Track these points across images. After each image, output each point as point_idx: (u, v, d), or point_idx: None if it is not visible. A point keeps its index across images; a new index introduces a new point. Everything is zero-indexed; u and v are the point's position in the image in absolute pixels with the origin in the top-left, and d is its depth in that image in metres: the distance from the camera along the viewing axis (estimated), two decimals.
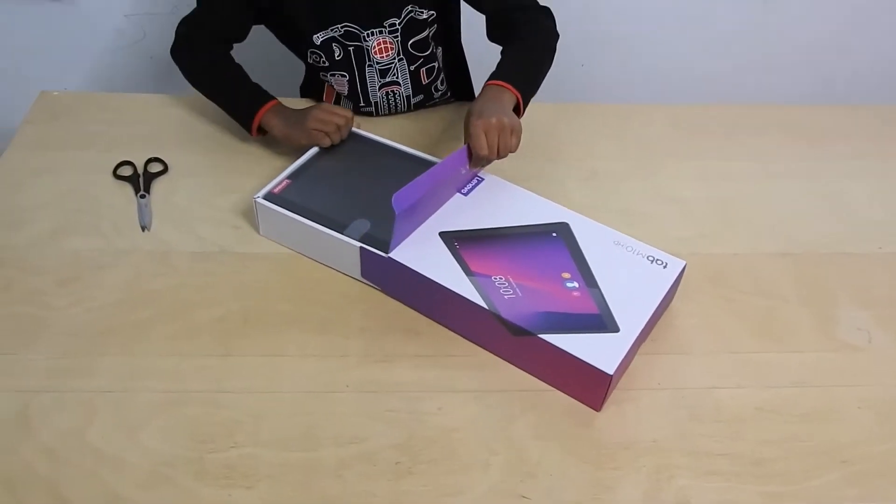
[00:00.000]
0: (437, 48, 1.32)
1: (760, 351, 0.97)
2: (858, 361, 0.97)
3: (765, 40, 1.90)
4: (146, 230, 1.09)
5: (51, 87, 1.35)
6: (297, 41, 1.29)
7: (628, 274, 0.97)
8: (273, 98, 1.20)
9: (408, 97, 1.32)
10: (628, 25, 1.85)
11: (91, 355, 0.92)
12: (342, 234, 1.00)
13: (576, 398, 0.90)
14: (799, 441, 0.87)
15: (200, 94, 1.25)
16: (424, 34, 1.26)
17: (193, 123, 1.30)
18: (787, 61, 1.94)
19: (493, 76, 1.14)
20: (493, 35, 1.25)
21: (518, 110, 1.12)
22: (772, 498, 0.81)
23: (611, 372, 0.84)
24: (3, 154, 1.21)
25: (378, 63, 1.26)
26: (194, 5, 1.23)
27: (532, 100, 1.17)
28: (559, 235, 1.02)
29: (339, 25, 1.22)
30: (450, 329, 0.97)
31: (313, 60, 1.28)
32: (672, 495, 0.81)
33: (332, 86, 1.31)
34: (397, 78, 1.29)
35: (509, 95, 1.11)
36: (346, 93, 1.30)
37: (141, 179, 1.17)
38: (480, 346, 0.96)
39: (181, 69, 1.24)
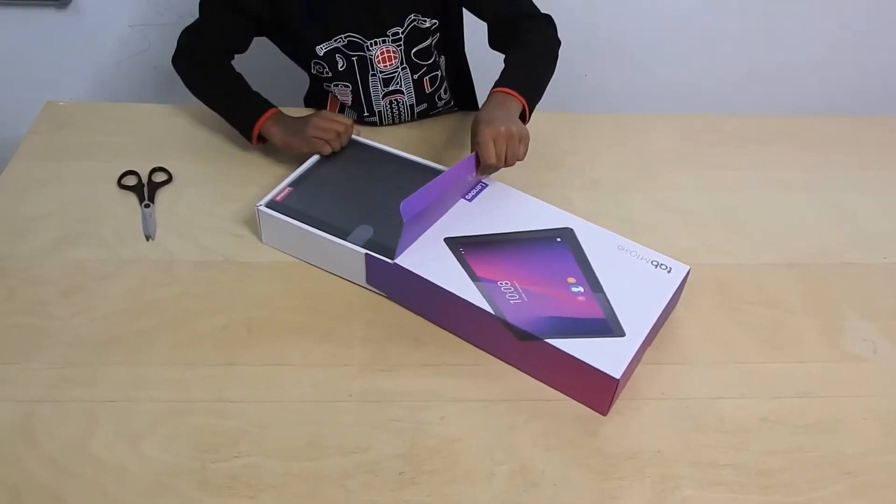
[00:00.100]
0: (439, 57, 1.32)
1: (765, 361, 0.97)
2: (864, 372, 0.96)
3: (770, 51, 1.90)
4: (150, 240, 1.09)
5: (56, 97, 1.36)
6: (300, 52, 1.29)
7: (633, 278, 0.97)
8: (273, 106, 1.20)
9: (411, 106, 1.32)
10: (632, 36, 1.85)
11: (94, 365, 0.92)
12: (345, 240, 1.01)
13: (582, 403, 0.90)
14: (804, 452, 0.86)
15: (204, 104, 1.25)
16: (427, 43, 1.27)
17: (198, 133, 1.30)
18: (791, 72, 1.94)
19: (498, 83, 1.14)
20: (494, 43, 1.26)
21: (524, 117, 1.13)
22: None
23: (617, 376, 0.84)
24: (7, 164, 1.21)
25: (381, 72, 1.26)
26: (197, 16, 1.24)
27: (535, 109, 1.17)
28: (564, 241, 1.02)
29: (342, 36, 1.22)
30: (455, 335, 0.97)
31: (317, 71, 1.29)
32: None
33: (336, 96, 1.32)
34: (400, 87, 1.29)
35: (516, 103, 1.11)
36: (350, 103, 1.31)
37: (145, 189, 1.17)
38: (486, 352, 0.96)
39: (182, 78, 1.25)
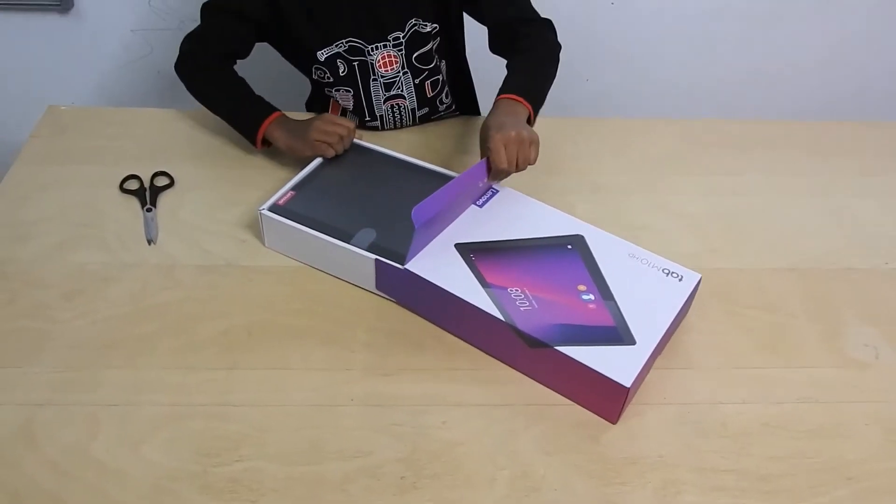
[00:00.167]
0: (441, 61, 1.32)
1: (767, 366, 0.97)
2: (866, 378, 0.96)
3: (772, 56, 1.90)
4: (152, 244, 1.10)
5: (58, 102, 1.36)
6: (301, 58, 1.30)
7: (644, 286, 0.97)
8: (276, 110, 1.21)
9: (413, 110, 1.32)
10: (634, 41, 1.85)
11: (95, 369, 0.92)
12: (349, 243, 1.01)
13: (592, 411, 0.90)
14: (805, 457, 0.86)
15: (207, 110, 1.25)
16: (428, 47, 1.27)
17: (200, 137, 1.30)
18: (793, 77, 1.95)
19: (504, 90, 1.14)
20: (495, 47, 1.26)
21: (529, 122, 1.13)
22: None
23: (628, 384, 0.84)
24: (10, 168, 1.21)
25: (383, 77, 1.27)
26: (199, 21, 1.24)
27: (540, 114, 1.17)
28: (574, 248, 1.02)
29: (343, 41, 1.23)
30: (465, 340, 0.97)
31: (318, 76, 1.29)
32: None
33: (338, 101, 1.32)
34: (402, 91, 1.29)
35: (522, 108, 1.12)
36: (352, 107, 1.31)
37: (147, 193, 1.17)
38: (496, 358, 0.96)
39: (186, 84, 1.25)
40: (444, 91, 1.36)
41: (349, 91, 1.28)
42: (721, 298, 1.05)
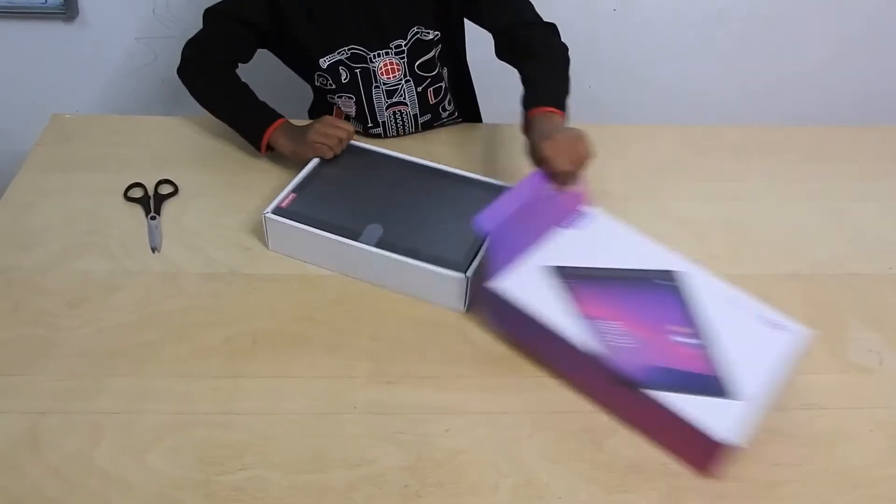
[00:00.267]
0: (443, 68, 1.33)
1: None
2: (870, 383, 0.96)
3: (773, 61, 1.90)
4: (156, 251, 1.10)
5: (62, 110, 1.37)
6: (303, 65, 1.30)
7: (745, 335, 0.90)
8: (279, 117, 1.22)
9: (415, 116, 1.33)
10: (636, 47, 1.85)
11: (99, 376, 0.92)
12: (357, 241, 1.02)
13: (684, 461, 0.85)
14: (810, 464, 0.86)
15: (211, 116, 1.26)
16: (431, 55, 1.27)
17: (204, 145, 1.31)
18: (794, 82, 1.95)
19: (532, 103, 1.12)
20: (502, 53, 1.25)
21: None
22: None
23: (736, 442, 0.80)
24: (15, 176, 1.22)
25: (385, 84, 1.27)
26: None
27: None
28: (671, 284, 0.96)
29: (345, 48, 1.23)
30: (547, 366, 0.94)
31: (320, 83, 1.29)
32: None
33: (340, 108, 1.32)
34: (404, 98, 1.30)
35: (558, 117, 1.11)
36: (354, 114, 1.31)
37: (151, 201, 1.18)
38: (583, 393, 0.92)
39: (189, 89, 1.26)
40: (447, 98, 1.36)
41: (351, 97, 1.28)
42: None
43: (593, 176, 1.27)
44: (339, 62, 1.24)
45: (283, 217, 1.06)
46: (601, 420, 0.90)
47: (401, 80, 1.27)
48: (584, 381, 0.92)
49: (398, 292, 1.04)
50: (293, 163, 1.21)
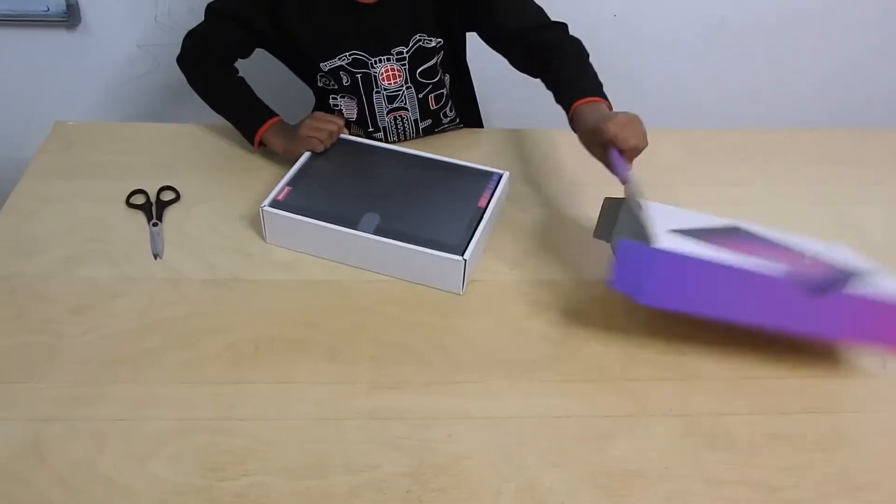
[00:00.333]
0: (444, 75, 1.33)
1: (773, 377, 0.96)
2: (873, 388, 0.96)
3: (776, 66, 1.90)
4: (158, 258, 1.10)
5: (65, 117, 1.37)
6: (303, 69, 1.31)
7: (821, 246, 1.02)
8: (272, 116, 1.24)
9: (415, 121, 1.33)
10: (636, 54, 1.85)
11: (102, 383, 0.92)
12: (356, 229, 1.04)
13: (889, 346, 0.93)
14: (813, 468, 0.86)
15: (213, 123, 1.27)
16: (433, 62, 1.28)
17: (206, 152, 1.31)
18: (798, 87, 1.95)
19: (579, 94, 1.13)
20: (522, 62, 1.25)
21: None
22: None
23: None
24: (17, 183, 1.22)
25: (386, 89, 1.27)
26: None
27: (543, 127, 1.18)
28: (745, 230, 1.04)
29: (346, 53, 1.23)
30: (729, 317, 0.93)
31: (323, 84, 1.30)
32: None
33: (342, 110, 1.33)
34: (405, 104, 1.30)
35: (605, 105, 1.13)
36: (355, 117, 1.32)
37: (153, 208, 1.18)
38: (771, 326, 0.93)
39: (187, 78, 1.29)
40: (449, 104, 1.36)
41: (353, 98, 1.29)
42: None
43: (596, 180, 1.28)
44: (340, 67, 1.24)
45: (280, 209, 1.07)
46: (604, 425, 0.90)
47: (402, 86, 1.28)
48: (772, 312, 0.92)
49: (397, 278, 1.06)
50: (291, 166, 1.22)
